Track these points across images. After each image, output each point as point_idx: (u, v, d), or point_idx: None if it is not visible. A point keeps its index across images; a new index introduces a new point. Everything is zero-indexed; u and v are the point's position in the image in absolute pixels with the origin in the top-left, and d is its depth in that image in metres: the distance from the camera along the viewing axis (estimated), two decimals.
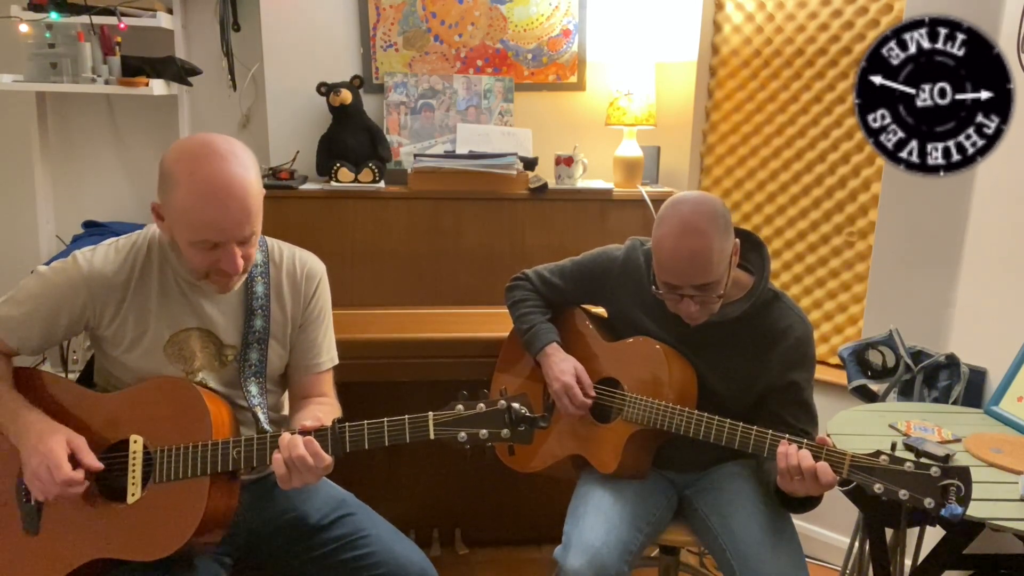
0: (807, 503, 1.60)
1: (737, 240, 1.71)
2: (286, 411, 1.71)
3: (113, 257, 1.53)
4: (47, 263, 1.56)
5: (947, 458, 1.36)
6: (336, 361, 1.70)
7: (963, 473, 1.31)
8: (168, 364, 1.53)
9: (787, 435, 1.52)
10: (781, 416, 1.72)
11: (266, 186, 2.51)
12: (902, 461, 1.36)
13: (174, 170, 1.40)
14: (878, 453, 1.39)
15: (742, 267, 1.80)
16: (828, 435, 1.70)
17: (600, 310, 2.01)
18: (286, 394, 1.71)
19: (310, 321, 1.64)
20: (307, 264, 1.65)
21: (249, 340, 1.57)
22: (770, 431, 1.56)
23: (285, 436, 1.39)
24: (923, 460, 1.35)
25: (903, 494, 1.34)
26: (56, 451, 1.39)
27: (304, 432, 1.39)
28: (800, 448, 1.47)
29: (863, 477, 1.39)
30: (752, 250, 1.81)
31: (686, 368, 1.78)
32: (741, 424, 1.60)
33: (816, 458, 1.45)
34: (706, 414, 1.65)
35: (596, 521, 1.67)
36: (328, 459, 1.39)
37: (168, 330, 1.54)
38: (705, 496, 1.80)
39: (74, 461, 1.41)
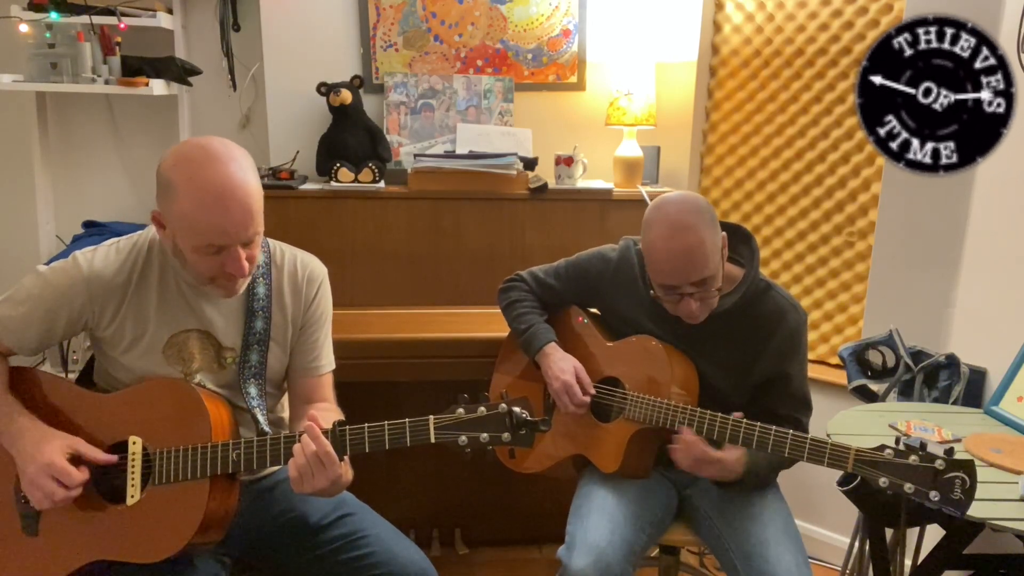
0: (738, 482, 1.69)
1: (724, 233, 1.72)
2: (284, 413, 1.71)
3: (114, 258, 1.52)
4: (47, 263, 1.55)
5: (951, 450, 1.35)
6: (333, 366, 1.70)
7: (968, 465, 1.32)
8: (167, 365, 1.53)
9: (791, 430, 1.53)
10: (772, 408, 1.74)
11: (266, 186, 2.50)
12: (907, 454, 1.36)
13: (172, 177, 1.39)
14: (883, 447, 1.39)
15: (733, 260, 1.81)
16: (828, 435, 1.71)
17: (594, 311, 2.00)
18: (284, 397, 1.71)
19: (310, 323, 1.64)
20: (309, 267, 1.65)
21: (249, 342, 1.57)
22: (774, 426, 1.56)
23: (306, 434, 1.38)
24: (927, 453, 1.35)
25: (908, 487, 1.35)
26: (56, 460, 1.39)
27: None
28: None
29: (868, 471, 1.39)
30: (741, 242, 1.81)
31: (687, 365, 1.78)
32: (745, 420, 1.60)
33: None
34: (708, 411, 1.65)
35: (600, 521, 1.67)
36: (340, 466, 1.38)
37: (167, 331, 1.53)
38: (707, 496, 1.80)
39: (79, 462, 1.41)
